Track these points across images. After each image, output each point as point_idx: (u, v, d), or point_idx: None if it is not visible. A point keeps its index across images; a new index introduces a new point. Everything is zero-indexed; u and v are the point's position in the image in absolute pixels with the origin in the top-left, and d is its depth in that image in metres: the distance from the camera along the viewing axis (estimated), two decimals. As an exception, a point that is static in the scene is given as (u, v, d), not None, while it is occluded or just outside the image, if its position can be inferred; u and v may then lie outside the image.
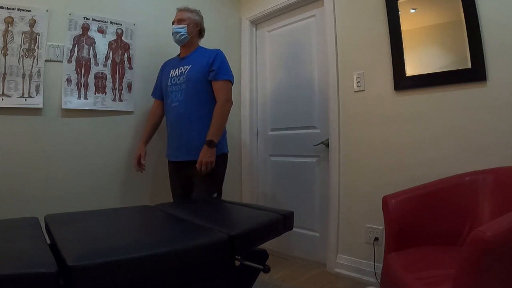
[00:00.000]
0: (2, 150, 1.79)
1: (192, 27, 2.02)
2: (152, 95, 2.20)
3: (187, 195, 1.99)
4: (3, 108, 1.79)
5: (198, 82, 1.93)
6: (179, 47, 2.08)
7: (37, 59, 1.88)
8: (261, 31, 2.86)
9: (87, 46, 2.06)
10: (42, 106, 1.89)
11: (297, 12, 2.58)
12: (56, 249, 0.92)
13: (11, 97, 1.81)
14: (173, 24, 2.02)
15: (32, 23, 1.87)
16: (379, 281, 1.70)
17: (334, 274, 2.18)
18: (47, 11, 1.91)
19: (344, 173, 2.20)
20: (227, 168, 2.05)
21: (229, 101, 1.94)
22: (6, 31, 1.81)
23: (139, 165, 2.06)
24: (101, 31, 2.11)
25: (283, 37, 2.69)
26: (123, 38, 2.19)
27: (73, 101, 2.00)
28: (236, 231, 1.13)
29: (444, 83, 1.78)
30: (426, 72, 1.85)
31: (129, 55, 2.22)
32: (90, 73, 2.07)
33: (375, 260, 1.96)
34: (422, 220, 1.51)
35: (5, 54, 1.80)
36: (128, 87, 2.21)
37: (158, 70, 2.21)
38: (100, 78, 2.10)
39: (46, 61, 1.91)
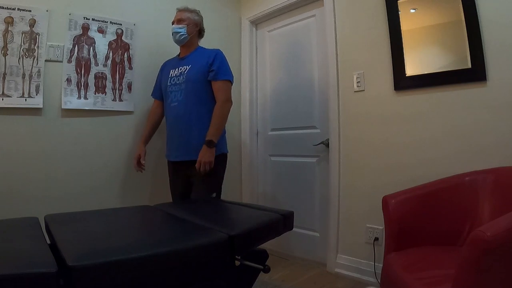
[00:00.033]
0: (2, 150, 1.79)
1: (191, 27, 2.02)
2: (151, 95, 2.20)
3: (187, 195, 1.99)
4: (3, 108, 1.79)
5: (198, 82, 1.93)
6: (179, 47, 2.08)
7: (37, 59, 1.88)
8: (261, 31, 2.86)
9: (87, 46, 2.06)
10: (42, 106, 1.89)
11: (297, 12, 2.58)
12: (56, 249, 0.92)
13: (11, 97, 1.81)
14: (172, 24, 2.02)
15: (32, 23, 1.87)
16: (379, 281, 1.70)
17: (334, 274, 2.18)
18: (47, 11, 1.91)
19: (344, 173, 2.20)
20: (227, 168, 2.05)
21: (228, 101, 1.94)
22: (6, 31, 1.81)
23: (139, 165, 2.06)
24: (101, 31, 2.11)
25: (283, 37, 2.69)
26: (123, 38, 2.19)
27: (73, 101, 2.00)
28: (236, 231, 1.13)
29: (444, 83, 1.78)
30: (426, 72, 1.85)
31: (129, 55, 2.22)
32: (90, 73, 2.07)
33: (375, 260, 1.96)
34: (422, 220, 1.51)
35: (5, 54, 1.80)
36: (128, 87, 2.21)
37: (158, 70, 2.21)
38: (100, 78, 2.10)
39: (46, 61, 1.91)
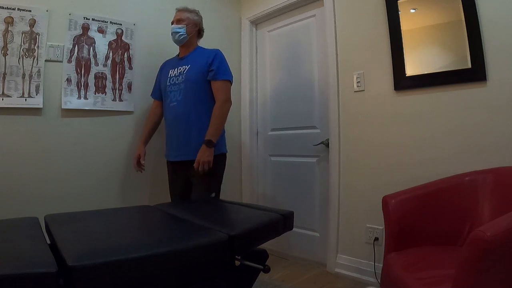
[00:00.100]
0: (2, 150, 1.79)
1: (191, 27, 2.02)
2: (151, 95, 2.20)
3: (186, 195, 1.99)
4: (3, 108, 1.79)
5: (197, 82, 1.93)
6: (178, 47, 2.08)
7: (37, 59, 1.88)
8: (261, 31, 2.86)
9: (87, 46, 2.06)
10: (42, 106, 1.89)
11: (297, 12, 2.58)
12: (56, 249, 0.92)
13: (11, 97, 1.81)
14: (172, 24, 2.02)
15: (32, 23, 1.87)
16: (379, 281, 1.70)
17: (334, 274, 2.18)
18: (47, 11, 1.91)
19: (344, 173, 2.20)
20: (226, 168, 2.05)
21: (228, 101, 1.94)
22: (6, 31, 1.81)
23: (139, 165, 2.07)
24: (101, 31, 2.11)
25: (283, 37, 2.69)
26: (123, 38, 2.19)
27: (73, 101, 2.00)
28: (236, 231, 1.13)
29: (444, 83, 1.78)
30: (426, 72, 1.85)
31: (129, 55, 2.22)
32: (90, 73, 2.07)
33: (375, 260, 1.96)
34: (422, 220, 1.51)
35: (5, 54, 1.80)
36: (128, 87, 2.21)
37: (158, 70, 2.21)
38: (100, 78, 2.10)
39: (46, 61, 1.91)
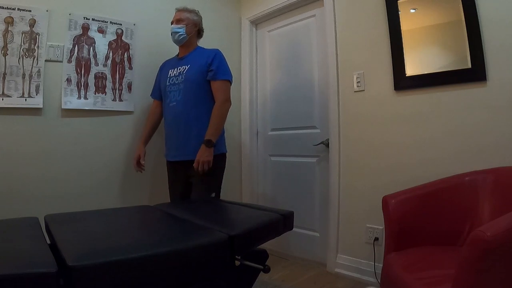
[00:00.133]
0: (2, 150, 1.79)
1: (190, 27, 2.02)
2: (151, 95, 2.20)
3: (186, 195, 1.99)
4: (3, 108, 1.79)
5: (197, 82, 1.93)
6: (178, 47, 2.08)
7: (37, 59, 1.88)
8: (261, 31, 2.86)
9: (87, 46, 2.06)
10: (42, 106, 1.89)
11: (297, 12, 2.58)
12: (56, 249, 0.92)
13: (11, 97, 1.81)
14: (171, 24, 2.03)
15: (32, 23, 1.87)
16: (379, 281, 1.70)
17: (334, 274, 2.18)
18: (47, 11, 1.91)
19: (344, 173, 2.20)
20: (226, 168, 2.05)
21: (227, 101, 1.94)
22: (6, 31, 1.81)
23: (139, 165, 2.07)
24: (101, 31, 2.11)
25: (283, 37, 2.69)
26: (123, 38, 2.19)
27: (73, 101, 2.00)
28: (236, 231, 1.13)
29: (444, 83, 1.78)
30: (426, 72, 1.85)
31: (129, 55, 2.22)
32: (90, 73, 2.07)
33: (375, 260, 1.96)
34: (422, 220, 1.51)
35: (5, 54, 1.80)
36: (128, 87, 2.21)
37: (158, 70, 2.21)
38: (100, 78, 2.10)
39: (46, 61, 1.91)
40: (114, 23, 2.16)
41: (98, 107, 2.09)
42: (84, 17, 2.05)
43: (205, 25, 2.14)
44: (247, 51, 2.84)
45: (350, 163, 2.17)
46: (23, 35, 1.85)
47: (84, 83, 2.04)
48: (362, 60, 2.12)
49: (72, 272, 0.79)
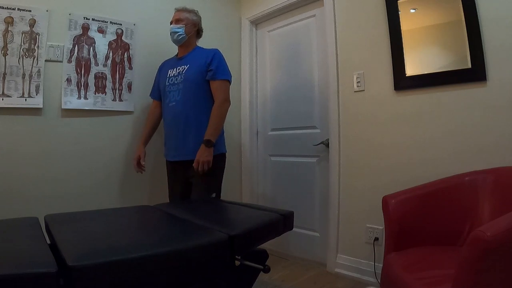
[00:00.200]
0: (2, 150, 1.79)
1: (190, 27, 2.02)
2: (150, 95, 2.20)
3: (186, 195, 1.99)
4: (3, 108, 1.79)
5: (196, 82, 1.93)
6: (177, 47, 2.08)
7: (37, 59, 1.88)
8: (261, 31, 2.86)
9: (87, 46, 2.06)
10: (42, 106, 1.89)
11: (297, 12, 2.58)
12: (56, 249, 0.92)
13: (11, 97, 1.81)
14: (171, 24, 2.03)
15: (32, 23, 1.87)
16: (379, 281, 1.70)
17: (334, 274, 2.18)
18: (47, 11, 1.91)
19: (344, 173, 2.20)
20: (226, 168, 2.05)
21: (227, 101, 1.94)
22: (6, 31, 1.81)
23: (139, 166, 2.06)
24: (101, 31, 2.11)
25: (283, 37, 2.69)
26: (123, 38, 2.19)
27: (73, 101, 2.00)
28: (236, 231, 1.13)
29: (444, 83, 1.78)
30: (426, 72, 1.85)
31: (129, 55, 2.22)
32: (90, 73, 2.07)
33: (375, 260, 1.96)
34: (422, 220, 1.51)
35: (5, 54, 1.80)
36: (128, 87, 2.21)
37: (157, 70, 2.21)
38: (100, 78, 2.10)
39: (46, 61, 1.91)
40: (114, 23, 2.16)
41: (98, 107, 2.09)
42: (84, 17, 2.05)
43: (205, 25, 2.14)
44: (247, 51, 2.84)
45: (350, 163, 2.17)
46: (23, 35, 1.85)
47: (84, 83, 2.04)
48: (362, 60, 2.12)
49: (72, 272, 0.79)
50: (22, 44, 1.85)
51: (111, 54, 2.14)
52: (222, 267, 1.12)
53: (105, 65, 2.12)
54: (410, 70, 1.90)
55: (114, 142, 2.16)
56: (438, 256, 1.33)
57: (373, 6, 2.06)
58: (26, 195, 1.82)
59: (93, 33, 2.08)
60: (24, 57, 1.85)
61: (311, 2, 2.46)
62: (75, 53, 2.01)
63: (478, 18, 1.64)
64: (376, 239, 1.99)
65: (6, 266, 0.77)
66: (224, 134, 2.05)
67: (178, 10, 2.05)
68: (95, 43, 2.09)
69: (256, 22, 2.86)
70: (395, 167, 1.95)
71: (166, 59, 2.19)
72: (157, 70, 2.20)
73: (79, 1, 2.04)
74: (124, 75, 2.20)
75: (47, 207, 1.58)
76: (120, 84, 2.18)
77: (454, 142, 1.75)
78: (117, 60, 2.17)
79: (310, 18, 2.51)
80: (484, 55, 1.63)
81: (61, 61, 1.96)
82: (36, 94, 1.87)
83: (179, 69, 2.00)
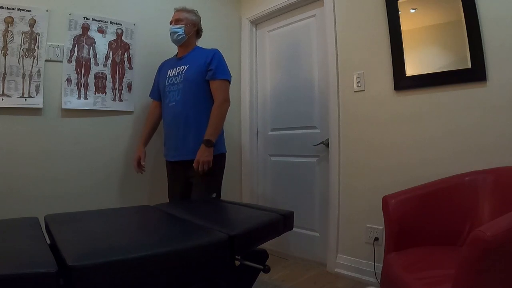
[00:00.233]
0: (2, 150, 1.79)
1: (189, 27, 2.02)
2: (150, 95, 2.20)
3: (186, 195, 1.99)
4: (3, 108, 1.79)
5: (196, 82, 1.93)
6: (177, 47, 2.08)
7: (37, 59, 1.88)
8: (261, 31, 2.86)
9: (87, 46, 2.06)
10: (42, 106, 1.89)
11: (297, 12, 2.58)
12: (56, 249, 0.92)
13: (11, 97, 1.81)
14: (170, 24, 2.03)
15: (32, 23, 1.87)
16: (379, 281, 1.70)
17: (334, 274, 2.18)
18: (47, 11, 1.91)
19: (344, 173, 2.20)
20: (226, 168, 2.05)
21: (226, 101, 1.94)
22: (6, 31, 1.81)
23: (139, 166, 2.06)
24: (101, 31, 2.11)
25: (283, 37, 2.69)
26: (123, 38, 2.19)
27: (73, 101, 2.00)
28: (236, 231, 1.13)
29: (444, 83, 1.78)
30: (426, 72, 1.85)
31: (129, 55, 2.22)
32: (90, 73, 2.07)
33: (375, 260, 1.96)
34: (422, 220, 1.51)
35: (5, 54, 1.80)
36: (128, 87, 2.21)
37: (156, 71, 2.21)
38: (100, 78, 2.10)
39: (46, 61, 1.91)
40: (114, 23, 2.16)
41: (98, 107, 2.09)
42: (84, 17, 2.05)
43: (204, 25, 2.14)
44: (247, 51, 2.84)
45: (350, 163, 2.17)
46: (23, 35, 1.85)
47: (84, 83, 2.04)
48: (362, 60, 2.12)
49: (72, 272, 0.79)
50: (22, 44, 1.85)
51: (111, 54, 2.14)
52: (222, 267, 1.12)
53: (105, 65, 2.12)
54: (410, 70, 1.90)
55: (114, 142, 2.16)
56: (438, 256, 1.33)
57: (373, 6, 2.06)
58: (26, 195, 1.82)
59: (93, 33, 2.08)
60: (24, 57, 1.85)
61: (311, 2, 2.46)
62: (75, 53, 2.01)
63: (478, 18, 1.64)
64: (376, 239, 1.99)
65: (6, 266, 0.77)
66: (224, 134, 2.05)
67: (177, 10, 2.05)
68: (95, 43, 2.09)
69: (256, 22, 2.86)
70: (395, 167, 1.95)
71: (166, 59, 2.19)
72: (156, 70, 2.20)
73: (79, 1, 2.04)
74: (124, 75, 2.20)
75: (47, 207, 1.58)
76: (120, 84, 2.18)
77: (454, 142, 1.75)
78: (117, 60, 2.17)
79: (310, 18, 2.51)
80: (484, 55, 1.63)
81: (61, 61, 1.96)
82: (36, 94, 1.87)
83: (178, 69, 2.00)
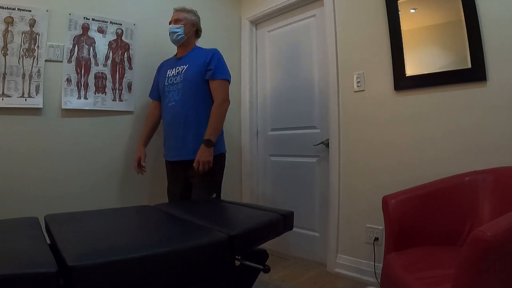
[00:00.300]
0: (2, 150, 1.79)
1: (188, 27, 2.02)
2: (149, 96, 2.20)
3: (186, 195, 1.99)
4: (3, 108, 1.79)
5: (195, 82, 1.93)
6: (176, 47, 2.08)
7: (37, 59, 1.88)
8: (261, 31, 2.86)
9: (87, 46, 2.06)
10: (42, 106, 1.89)
11: (297, 12, 2.58)
12: (56, 249, 0.92)
13: (11, 97, 1.81)
14: (170, 24, 2.03)
15: (32, 23, 1.87)
16: (379, 281, 1.70)
17: (334, 274, 2.18)
18: (47, 11, 1.91)
19: (344, 173, 2.20)
20: (226, 168, 2.05)
21: (226, 101, 1.94)
22: (6, 31, 1.81)
23: (139, 167, 2.06)
24: (101, 31, 2.11)
25: (283, 37, 2.69)
26: (123, 38, 2.19)
27: (73, 101, 2.00)
28: (236, 231, 1.13)
29: (444, 83, 1.78)
30: (426, 72, 1.85)
31: (129, 55, 2.22)
32: (90, 73, 2.07)
33: (375, 260, 1.96)
34: (422, 220, 1.51)
35: (5, 54, 1.80)
36: (128, 87, 2.21)
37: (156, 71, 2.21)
38: (100, 78, 2.10)
39: (46, 61, 1.91)
40: (114, 23, 2.16)
41: (98, 107, 2.09)
42: (84, 17, 2.05)
43: (204, 25, 2.14)
44: (247, 51, 2.84)
45: (350, 163, 2.17)
46: (23, 35, 1.85)
47: (84, 83, 2.04)
48: (362, 60, 2.12)
49: (72, 272, 0.79)
50: (22, 44, 1.85)
51: (111, 54, 2.14)
52: (222, 267, 1.12)
53: (105, 65, 2.12)
54: (410, 70, 1.90)
55: (114, 142, 2.16)
56: (438, 256, 1.33)
57: (373, 6, 2.06)
58: (26, 195, 1.82)
59: (93, 33, 2.08)
60: (24, 57, 1.85)
61: (311, 2, 2.46)
62: (75, 53, 2.01)
63: (478, 18, 1.64)
64: (376, 239, 1.99)
65: (6, 266, 0.77)
66: (224, 134, 2.05)
67: (177, 10, 2.06)
68: (95, 43, 2.09)
69: (256, 22, 2.86)
70: (395, 167, 1.95)
71: (166, 59, 2.19)
72: (156, 71, 2.20)
73: (79, 1, 2.04)
74: (124, 75, 2.20)
75: (47, 207, 1.58)
76: (120, 84, 2.18)
77: (454, 142, 1.75)
78: (117, 60, 2.17)
79: (310, 18, 2.51)
80: (484, 55, 1.63)
81: (61, 61, 1.96)
82: (36, 94, 1.87)
83: (178, 69, 2.00)
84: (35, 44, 1.88)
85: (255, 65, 2.86)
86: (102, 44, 2.11)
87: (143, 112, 2.26)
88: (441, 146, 1.79)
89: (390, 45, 1.97)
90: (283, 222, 1.37)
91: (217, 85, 1.93)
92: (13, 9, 1.82)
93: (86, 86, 2.05)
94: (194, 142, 1.88)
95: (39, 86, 1.88)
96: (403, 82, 1.93)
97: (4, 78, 1.80)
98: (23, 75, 1.85)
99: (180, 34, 1.99)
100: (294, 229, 1.50)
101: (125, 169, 2.18)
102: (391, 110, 1.99)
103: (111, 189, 2.14)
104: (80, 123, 2.03)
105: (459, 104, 1.73)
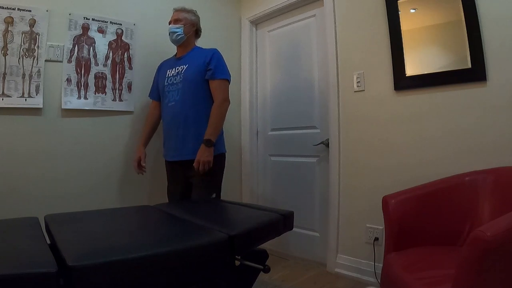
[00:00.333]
0: (2, 150, 1.79)
1: (188, 27, 2.02)
2: (149, 96, 2.20)
3: (186, 195, 1.99)
4: (3, 108, 1.79)
5: (195, 82, 1.93)
6: (176, 47, 2.08)
7: (37, 59, 1.88)
8: (261, 31, 2.86)
9: (87, 46, 2.06)
10: (42, 106, 1.89)
11: (297, 12, 2.58)
12: (56, 249, 0.92)
13: (11, 97, 1.81)
14: (169, 24, 2.03)
15: (32, 23, 1.87)
16: (379, 281, 1.70)
17: (334, 274, 2.18)
18: (47, 11, 1.91)
19: (344, 173, 2.20)
20: (226, 168, 2.05)
21: (226, 101, 1.94)
22: (6, 31, 1.81)
23: (140, 167, 2.06)
24: (101, 31, 2.11)
25: (283, 37, 2.69)
26: (123, 38, 2.19)
27: (73, 101, 2.00)
28: (236, 231, 1.13)
29: (444, 83, 1.78)
30: (426, 72, 1.85)
31: (129, 55, 2.22)
32: (90, 73, 2.07)
33: (375, 260, 1.96)
34: (422, 220, 1.51)
35: (5, 54, 1.80)
36: (128, 87, 2.21)
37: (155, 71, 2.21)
38: (100, 78, 2.10)
39: (46, 61, 1.91)
40: (114, 23, 2.16)
41: (98, 107, 2.09)
42: (84, 17, 2.05)
43: (204, 25, 2.14)
44: (247, 51, 2.84)
45: (350, 163, 2.17)
46: (23, 35, 1.85)
47: (84, 83, 2.04)
48: (362, 60, 2.12)
49: (72, 272, 0.79)
50: (22, 44, 1.85)
51: (111, 54, 2.14)
52: (222, 267, 1.12)
53: (105, 65, 2.12)
54: (410, 70, 1.90)
55: (114, 142, 2.16)
56: (438, 256, 1.33)
57: (373, 6, 2.06)
58: (26, 195, 1.82)
59: (93, 33, 2.08)
60: (24, 57, 1.85)
61: (311, 2, 2.46)
62: (75, 53, 2.01)
63: (478, 18, 1.64)
64: (376, 239, 1.99)
65: (6, 266, 0.77)
66: (224, 134, 2.05)
67: (176, 10, 2.06)
68: (95, 43, 2.09)
69: (256, 22, 2.86)
70: (395, 167, 1.95)
71: (166, 59, 2.19)
72: (155, 71, 2.20)
73: (79, 1, 2.04)
74: (124, 75, 2.20)
75: (47, 207, 1.58)
76: (120, 84, 2.18)
77: (454, 142, 1.75)
78: (117, 60, 2.17)
79: (310, 18, 2.51)
80: (484, 55, 1.63)
81: (61, 61, 1.96)
82: (36, 94, 1.87)
83: (178, 69, 2.00)
84: (35, 44, 1.88)
85: (255, 65, 2.86)
86: (102, 44, 2.11)
87: (143, 112, 2.26)
88: (441, 146, 1.79)
89: (390, 45, 1.97)
90: (283, 222, 1.37)
91: (217, 85, 1.93)
92: (13, 9, 1.82)
93: (86, 86, 2.05)
94: (194, 142, 1.87)
95: (39, 86, 1.88)
96: (403, 82, 1.93)
97: (4, 78, 1.80)
98: (23, 75, 1.85)
99: (179, 34, 1.99)
100: (294, 229, 1.50)
101: (125, 169, 2.18)
102: (391, 110, 1.99)
103: (111, 189, 2.14)
104: (80, 123, 2.03)
105: (459, 104, 1.73)
